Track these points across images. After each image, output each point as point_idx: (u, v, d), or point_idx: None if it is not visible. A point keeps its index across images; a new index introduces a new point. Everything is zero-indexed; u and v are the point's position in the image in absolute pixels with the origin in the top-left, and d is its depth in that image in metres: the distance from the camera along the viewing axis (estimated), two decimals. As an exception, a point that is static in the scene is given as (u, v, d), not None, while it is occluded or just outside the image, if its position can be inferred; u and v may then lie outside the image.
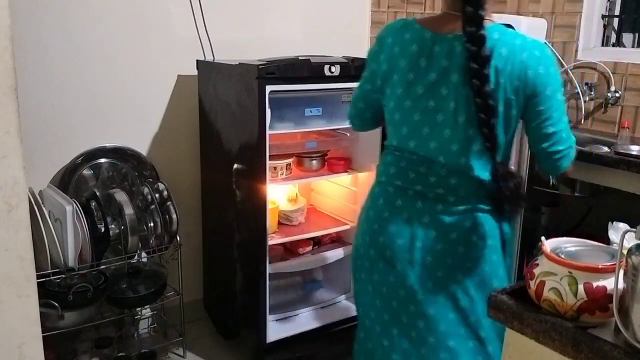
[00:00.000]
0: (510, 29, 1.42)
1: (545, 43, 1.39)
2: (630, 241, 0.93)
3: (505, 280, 1.50)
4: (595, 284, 0.95)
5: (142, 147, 2.46)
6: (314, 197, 2.79)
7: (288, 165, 2.36)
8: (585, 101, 2.54)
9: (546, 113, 1.38)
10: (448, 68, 1.38)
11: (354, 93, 1.61)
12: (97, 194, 2.17)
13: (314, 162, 2.45)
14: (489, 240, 1.46)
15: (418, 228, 1.46)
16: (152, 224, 2.24)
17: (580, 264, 0.98)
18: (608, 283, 0.94)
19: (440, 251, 1.45)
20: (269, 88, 2.04)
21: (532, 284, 1.01)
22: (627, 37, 2.69)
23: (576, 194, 2.42)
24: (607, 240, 1.22)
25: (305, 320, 2.43)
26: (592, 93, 2.52)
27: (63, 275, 1.99)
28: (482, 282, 1.47)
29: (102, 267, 2.13)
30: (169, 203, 2.28)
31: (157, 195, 2.29)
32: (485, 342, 1.49)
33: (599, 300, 0.94)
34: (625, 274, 0.91)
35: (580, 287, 0.95)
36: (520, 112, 1.39)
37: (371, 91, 1.54)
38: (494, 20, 1.43)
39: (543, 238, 1.08)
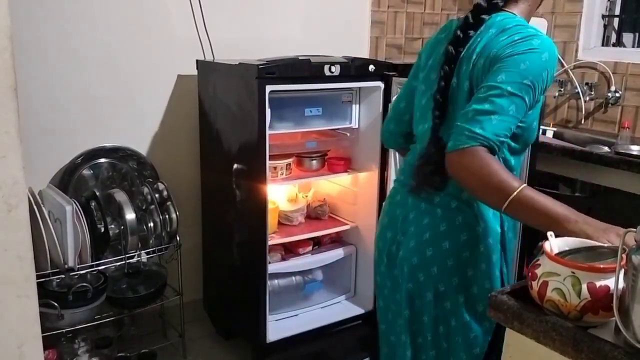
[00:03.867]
0: (527, 25, 1.28)
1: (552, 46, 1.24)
2: (630, 241, 0.93)
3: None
4: (598, 284, 0.95)
5: (142, 147, 2.46)
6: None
7: (288, 165, 2.36)
8: (585, 101, 2.54)
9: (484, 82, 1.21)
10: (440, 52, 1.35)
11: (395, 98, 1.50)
12: (97, 194, 2.17)
13: (314, 162, 2.45)
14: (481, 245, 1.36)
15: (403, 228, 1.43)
16: (152, 224, 2.24)
17: (583, 264, 0.98)
18: (611, 283, 0.94)
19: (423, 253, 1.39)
20: (269, 88, 2.04)
21: (535, 285, 1.01)
22: (627, 37, 2.69)
23: (576, 194, 2.42)
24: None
25: (305, 320, 2.43)
26: (592, 93, 2.53)
27: (63, 275, 1.99)
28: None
29: (102, 267, 2.12)
30: (168, 203, 2.28)
31: (157, 195, 2.29)
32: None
33: (602, 300, 0.94)
34: (625, 274, 0.91)
35: (584, 287, 0.95)
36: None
37: (411, 85, 1.49)
38: (515, 13, 1.31)
39: (550, 233, 1.08)
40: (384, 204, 1.56)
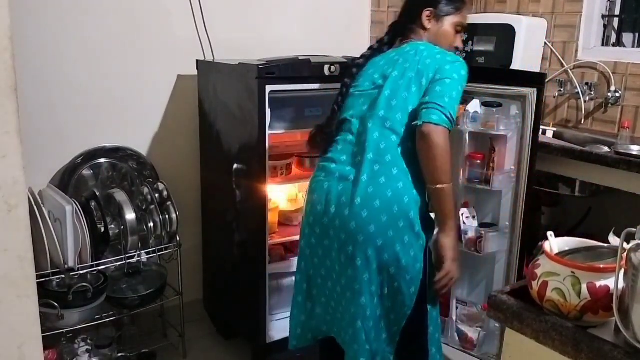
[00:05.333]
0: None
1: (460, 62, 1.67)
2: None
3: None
4: (598, 284, 0.95)
5: (142, 147, 2.46)
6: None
7: (288, 165, 2.36)
8: (585, 101, 2.54)
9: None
10: None
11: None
12: (97, 194, 2.17)
13: (314, 162, 2.45)
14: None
15: None
16: (152, 224, 2.24)
17: (583, 264, 0.98)
18: (611, 283, 0.94)
19: None
20: (269, 88, 2.04)
21: (535, 285, 1.01)
22: (627, 37, 2.68)
23: (576, 194, 2.42)
24: (607, 242, 1.22)
25: (305, 320, 2.43)
26: (592, 93, 2.52)
27: (63, 275, 1.99)
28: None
29: (102, 267, 2.12)
30: (168, 203, 2.28)
31: (157, 195, 2.29)
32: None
33: (602, 300, 0.94)
34: (625, 274, 0.91)
35: (584, 287, 0.95)
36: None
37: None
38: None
39: (550, 233, 1.08)
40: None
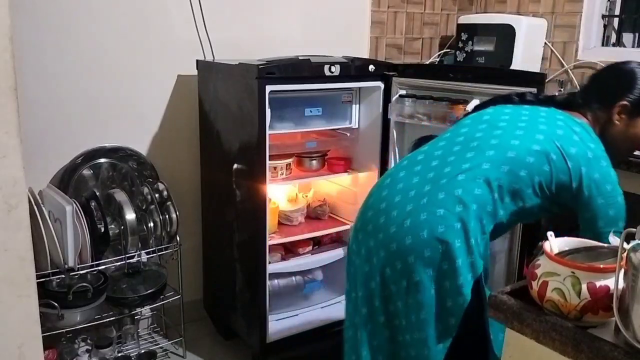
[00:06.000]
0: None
1: None
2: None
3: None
4: (598, 284, 0.95)
5: (142, 147, 2.46)
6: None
7: (288, 165, 2.36)
8: (585, 101, 2.54)
9: None
10: None
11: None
12: (97, 194, 2.17)
13: (314, 162, 2.45)
14: None
15: None
16: (152, 224, 2.24)
17: (583, 264, 0.98)
18: (611, 283, 0.94)
19: None
20: (269, 88, 2.04)
21: (535, 285, 1.01)
22: (627, 37, 2.69)
23: (576, 194, 2.41)
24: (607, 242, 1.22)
25: (305, 320, 2.43)
26: (592, 93, 2.52)
27: (63, 275, 1.99)
28: None
29: (102, 267, 2.13)
30: (168, 203, 2.28)
31: (157, 195, 2.29)
32: None
33: (602, 300, 0.94)
34: (625, 274, 0.91)
35: (584, 287, 0.95)
36: None
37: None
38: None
39: (550, 233, 1.08)
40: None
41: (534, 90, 1.66)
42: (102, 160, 2.36)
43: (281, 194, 2.58)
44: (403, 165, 1.54)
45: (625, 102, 1.49)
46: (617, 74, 1.57)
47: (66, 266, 1.96)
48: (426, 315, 1.38)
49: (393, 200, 1.44)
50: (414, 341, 1.41)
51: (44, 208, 1.92)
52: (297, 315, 2.46)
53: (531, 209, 1.45)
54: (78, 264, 2.00)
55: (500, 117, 1.52)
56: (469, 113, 1.67)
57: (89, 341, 2.20)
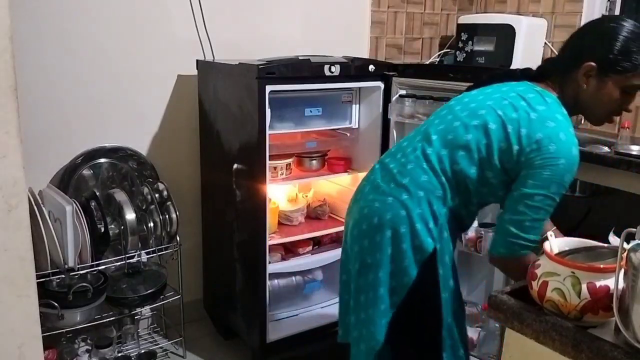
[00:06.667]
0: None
1: None
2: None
3: None
4: (598, 284, 0.95)
5: (142, 147, 2.46)
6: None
7: (288, 165, 2.36)
8: (585, 101, 2.54)
9: None
10: None
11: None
12: (97, 194, 2.17)
13: (314, 162, 2.45)
14: None
15: None
16: (152, 224, 2.24)
17: (583, 264, 0.98)
18: (611, 283, 0.94)
19: None
20: (269, 88, 2.04)
21: (535, 285, 1.01)
22: (627, 37, 2.68)
23: (576, 194, 2.42)
24: (607, 242, 1.22)
25: (305, 320, 2.43)
26: (592, 93, 2.52)
27: (63, 275, 1.99)
28: None
29: (102, 267, 2.12)
30: (168, 203, 2.28)
31: (157, 195, 2.29)
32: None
33: (602, 300, 0.94)
34: (625, 274, 0.91)
35: (584, 287, 0.95)
36: None
37: None
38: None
39: (550, 233, 1.08)
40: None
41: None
42: (102, 160, 2.36)
43: (281, 194, 2.58)
44: (380, 160, 1.63)
45: (590, 63, 1.38)
46: (582, 34, 1.47)
47: (66, 266, 1.96)
48: (375, 294, 1.47)
49: (363, 191, 1.57)
50: (368, 318, 1.50)
51: (44, 208, 1.92)
52: (297, 315, 2.46)
53: (480, 189, 1.45)
54: (78, 264, 2.00)
55: (462, 100, 1.53)
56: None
57: (89, 341, 2.20)
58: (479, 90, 1.54)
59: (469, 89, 1.64)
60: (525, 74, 1.53)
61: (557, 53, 1.53)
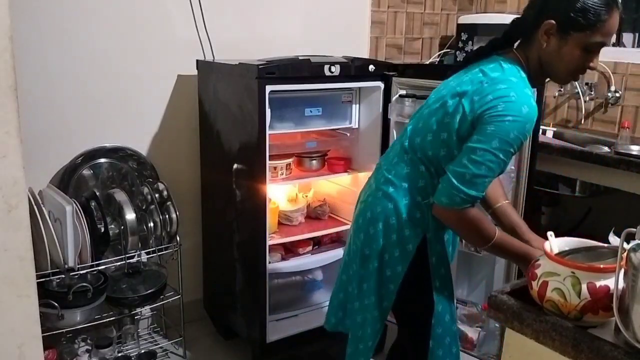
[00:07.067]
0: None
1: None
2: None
3: None
4: (598, 284, 0.95)
5: (142, 147, 2.46)
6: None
7: (288, 165, 2.36)
8: (585, 101, 2.54)
9: None
10: None
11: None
12: (97, 194, 2.17)
13: (314, 162, 2.45)
14: None
15: None
16: (152, 224, 2.24)
17: (583, 264, 0.98)
18: (611, 283, 0.94)
19: None
20: (269, 88, 2.04)
21: (535, 285, 1.01)
22: (627, 37, 2.69)
23: (576, 194, 2.42)
24: (607, 242, 1.22)
25: (305, 320, 2.43)
26: (592, 93, 2.53)
27: (63, 275, 1.99)
28: None
29: (102, 267, 2.12)
30: (168, 203, 2.28)
31: (157, 195, 2.29)
32: None
33: (602, 300, 0.94)
34: (625, 273, 0.91)
35: (584, 287, 0.95)
36: None
37: None
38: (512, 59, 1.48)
39: (550, 233, 1.08)
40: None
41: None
42: (102, 160, 2.36)
43: (281, 194, 2.58)
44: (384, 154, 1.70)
45: (550, 21, 1.36)
46: None
47: (66, 266, 1.96)
48: (375, 283, 1.55)
49: (364, 189, 1.65)
50: (371, 303, 1.57)
51: (44, 208, 1.92)
52: (297, 315, 2.46)
53: None
54: (78, 264, 2.00)
55: (438, 89, 1.54)
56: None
57: (89, 341, 2.20)
58: (453, 76, 1.55)
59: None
60: (493, 45, 1.51)
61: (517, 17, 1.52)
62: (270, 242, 2.25)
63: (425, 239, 1.52)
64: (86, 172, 2.33)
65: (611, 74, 2.44)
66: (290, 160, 2.37)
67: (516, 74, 1.39)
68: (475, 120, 1.36)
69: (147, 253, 2.26)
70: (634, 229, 0.94)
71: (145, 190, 2.30)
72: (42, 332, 1.54)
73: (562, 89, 2.61)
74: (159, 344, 2.46)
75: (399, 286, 1.53)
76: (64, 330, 2.03)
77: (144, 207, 2.29)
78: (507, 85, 1.35)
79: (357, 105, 2.46)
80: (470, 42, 2.67)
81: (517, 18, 1.49)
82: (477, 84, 1.40)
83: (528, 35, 1.43)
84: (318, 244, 2.56)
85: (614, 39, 2.67)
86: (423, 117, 1.51)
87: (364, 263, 1.57)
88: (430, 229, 1.52)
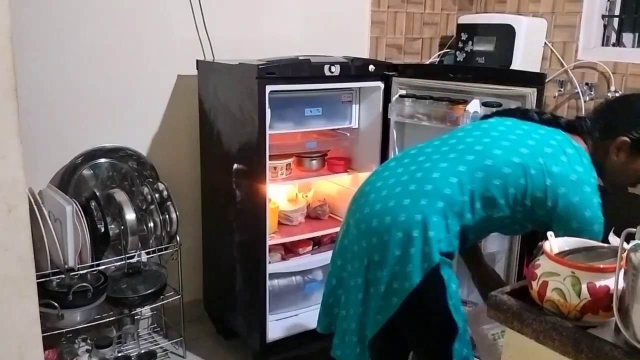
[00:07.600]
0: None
1: None
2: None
3: None
4: (598, 284, 0.95)
5: (142, 147, 2.46)
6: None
7: (288, 165, 2.36)
8: (585, 101, 2.54)
9: None
10: None
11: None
12: (97, 194, 2.17)
13: (314, 162, 2.45)
14: None
15: None
16: (152, 224, 2.24)
17: (583, 264, 0.98)
18: (611, 283, 0.95)
19: None
20: (269, 88, 2.04)
21: (535, 285, 1.01)
22: (627, 37, 2.68)
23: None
24: (607, 242, 1.22)
25: (305, 320, 2.43)
26: (592, 93, 2.53)
27: (63, 275, 1.99)
28: None
29: (102, 267, 2.13)
30: (168, 203, 2.28)
31: (157, 195, 2.29)
32: None
33: (602, 300, 0.94)
34: (625, 273, 0.91)
35: (584, 287, 0.95)
36: None
37: None
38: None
39: (550, 233, 1.08)
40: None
41: (548, 114, 1.63)
42: (102, 160, 2.36)
43: (281, 194, 2.58)
44: (397, 157, 1.64)
45: (625, 139, 1.46)
46: (624, 106, 1.55)
47: (66, 266, 1.96)
48: (380, 290, 1.46)
49: (375, 185, 1.54)
50: (377, 307, 1.47)
51: (44, 208, 1.92)
52: (297, 315, 2.46)
53: (501, 219, 1.47)
54: (78, 264, 2.00)
55: (497, 127, 1.54)
56: (487, 116, 1.69)
57: (89, 341, 2.20)
58: (515, 122, 1.55)
59: (493, 114, 1.67)
60: (554, 121, 1.56)
61: (589, 116, 1.59)
62: (270, 242, 2.25)
63: (452, 256, 1.45)
64: (86, 172, 2.33)
65: (611, 74, 2.44)
66: (290, 160, 2.37)
67: (593, 174, 1.44)
68: (558, 219, 1.42)
69: (147, 253, 2.26)
70: (634, 229, 0.95)
71: (145, 190, 2.30)
72: (42, 332, 1.54)
73: (561, 89, 2.61)
74: (159, 344, 2.46)
75: (404, 302, 1.43)
76: (64, 330, 2.03)
77: (144, 207, 2.29)
78: (592, 189, 1.41)
79: (357, 105, 2.46)
80: (470, 42, 2.67)
81: (583, 118, 1.58)
82: (563, 170, 1.41)
83: (595, 138, 1.51)
84: (318, 244, 2.56)
85: (614, 39, 2.67)
86: (493, 157, 1.45)
87: (372, 268, 1.47)
88: (454, 249, 1.45)
